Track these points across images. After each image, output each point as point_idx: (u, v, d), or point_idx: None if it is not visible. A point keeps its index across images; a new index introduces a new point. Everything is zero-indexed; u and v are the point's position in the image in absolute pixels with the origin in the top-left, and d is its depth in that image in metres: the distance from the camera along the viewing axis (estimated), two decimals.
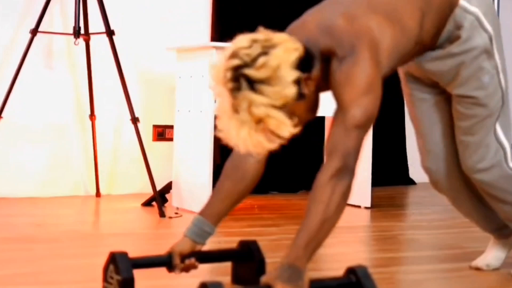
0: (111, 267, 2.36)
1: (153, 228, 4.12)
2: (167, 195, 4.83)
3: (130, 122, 4.69)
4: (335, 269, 3.07)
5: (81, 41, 4.93)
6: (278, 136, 2.21)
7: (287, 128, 2.20)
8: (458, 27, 2.64)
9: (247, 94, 2.17)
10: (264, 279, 2.22)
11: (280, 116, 2.18)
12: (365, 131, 2.33)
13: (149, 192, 4.75)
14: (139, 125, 4.73)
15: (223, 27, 5.75)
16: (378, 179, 5.66)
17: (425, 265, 3.24)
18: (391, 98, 6.41)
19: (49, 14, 4.89)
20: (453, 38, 2.65)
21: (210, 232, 2.54)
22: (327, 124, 5.32)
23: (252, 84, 2.17)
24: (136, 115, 4.70)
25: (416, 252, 3.56)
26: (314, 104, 2.38)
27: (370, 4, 2.44)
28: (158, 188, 4.67)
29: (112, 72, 5.04)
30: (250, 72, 2.17)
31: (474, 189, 3.01)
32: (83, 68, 5.18)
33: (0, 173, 5.09)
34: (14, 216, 4.40)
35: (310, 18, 2.48)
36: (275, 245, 3.45)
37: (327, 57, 2.36)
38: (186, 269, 2.51)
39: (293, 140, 6.06)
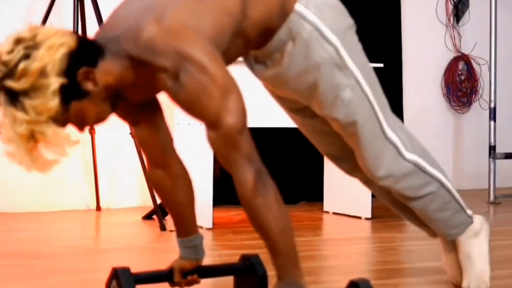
0: (114, 282, 2.35)
1: (154, 241, 4.12)
2: None
3: (130, 135, 4.69)
4: (336, 281, 3.07)
5: None
6: (60, 150, 2.01)
7: (64, 140, 2.00)
8: (293, 37, 2.33)
9: (9, 110, 1.94)
10: None
11: (51, 130, 1.96)
12: (247, 129, 2.13)
13: (150, 205, 4.74)
14: None
15: None
16: None
17: (427, 276, 3.23)
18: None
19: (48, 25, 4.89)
20: (286, 50, 2.36)
21: (199, 243, 2.51)
22: None
23: (15, 97, 1.93)
24: None
25: (418, 264, 3.55)
26: (112, 97, 2.11)
27: None
28: (159, 201, 4.67)
29: None
30: (10, 83, 1.93)
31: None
32: None
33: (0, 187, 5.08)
34: (15, 231, 4.39)
35: (115, 18, 2.19)
36: None
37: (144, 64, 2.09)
38: (188, 284, 2.51)
39: (293, 151, 6.01)
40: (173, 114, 4.85)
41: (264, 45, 2.36)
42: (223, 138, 2.09)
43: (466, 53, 6.70)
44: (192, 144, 4.62)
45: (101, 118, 2.13)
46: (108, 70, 2.06)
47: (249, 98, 4.68)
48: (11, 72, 1.93)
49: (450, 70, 6.68)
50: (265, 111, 4.68)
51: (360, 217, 4.95)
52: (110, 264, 2.51)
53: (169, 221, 4.56)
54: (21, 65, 1.92)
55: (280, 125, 4.73)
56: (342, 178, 5.14)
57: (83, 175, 5.30)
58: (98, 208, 5.19)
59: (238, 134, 2.08)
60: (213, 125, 2.08)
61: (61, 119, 1.99)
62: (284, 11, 2.30)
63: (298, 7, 2.31)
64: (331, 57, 2.36)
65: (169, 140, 2.44)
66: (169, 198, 2.46)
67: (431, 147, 6.67)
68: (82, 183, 5.28)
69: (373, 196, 4.97)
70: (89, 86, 2.03)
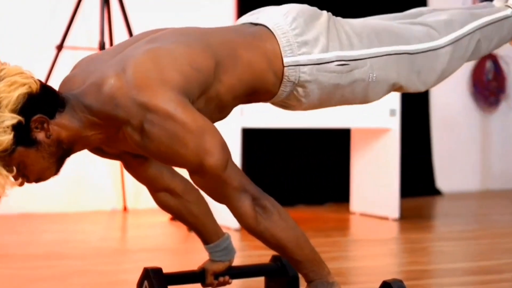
0: (146, 283, 2.34)
1: (182, 242, 4.11)
2: None
3: None
4: (365, 282, 3.05)
5: None
6: None
7: (2, 180, 1.89)
8: (299, 85, 2.21)
9: None
10: None
11: None
12: (230, 162, 2.01)
13: None
14: None
15: None
16: (405, 190, 5.62)
17: (458, 277, 3.20)
18: (416, 110, 6.40)
19: (74, 30, 4.89)
20: (299, 95, 2.23)
21: (227, 245, 2.49)
22: (353, 135, 5.29)
23: None
24: None
25: (448, 264, 3.52)
26: (61, 154, 2.01)
27: (151, 39, 2.12)
28: None
29: None
30: None
31: None
32: None
33: (26, 189, 5.09)
34: (42, 232, 4.40)
35: (79, 71, 2.10)
36: None
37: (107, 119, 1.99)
38: (220, 285, 2.49)
39: (320, 152, 6.00)
40: None
41: (267, 100, 2.28)
42: (210, 181, 2.00)
43: (493, 52, 6.65)
44: None
45: (43, 175, 2.00)
46: (64, 124, 1.97)
47: None
48: None
49: (478, 70, 6.63)
50: (291, 112, 4.66)
51: (387, 218, 4.92)
52: (138, 265, 2.50)
53: None
54: None
55: (306, 126, 4.71)
56: (369, 178, 5.12)
57: (110, 176, 5.31)
58: (125, 209, 5.19)
59: (223, 171, 1.98)
60: (195, 170, 1.98)
61: (4, 160, 1.89)
62: (274, 69, 2.17)
63: (287, 60, 2.17)
64: (341, 70, 2.25)
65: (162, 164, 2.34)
66: (181, 216, 2.42)
67: (459, 147, 6.67)
68: (109, 184, 5.28)
69: (401, 196, 4.94)
70: (40, 135, 1.93)
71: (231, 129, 4.49)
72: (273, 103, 2.32)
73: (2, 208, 4.90)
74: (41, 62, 5.04)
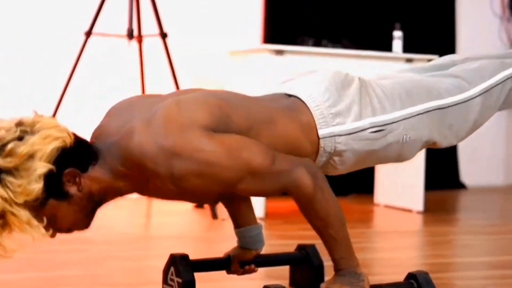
0: (172, 269, 2.36)
1: (206, 230, 4.13)
2: None
3: None
4: (390, 273, 3.05)
5: (134, 43, 4.96)
6: (25, 239, 1.90)
7: (33, 230, 1.89)
8: (335, 153, 2.23)
9: None
10: (323, 285, 2.20)
11: (25, 215, 1.88)
12: (273, 153, 2.02)
13: None
14: None
15: (275, 29, 5.76)
16: (429, 183, 5.61)
17: (482, 271, 3.20)
18: None
19: (103, 16, 4.91)
20: (335, 162, 2.26)
21: (257, 233, 2.49)
22: None
23: None
24: None
25: (472, 258, 3.51)
26: (92, 207, 2.02)
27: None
28: None
29: (164, 74, 5.08)
30: None
31: None
32: (136, 70, 5.21)
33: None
34: None
35: (111, 120, 2.12)
36: None
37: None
38: (245, 273, 2.51)
39: None
40: None
41: None
42: (266, 181, 2.01)
43: None
44: None
45: (75, 227, 2.02)
46: (96, 177, 1.98)
47: None
48: (1, 148, 1.89)
49: None
50: None
51: (411, 210, 4.92)
52: (163, 252, 2.52)
53: (220, 209, 4.57)
54: (11, 145, 1.88)
55: None
56: (394, 170, 5.12)
57: None
58: None
59: (273, 165, 2.00)
60: (247, 180, 1.99)
61: (36, 210, 1.91)
62: (310, 140, 2.19)
63: (322, 132, 2.19)
64: (375, 137, 2.26)
65: None
66: None
67: (484, 141, 6.64)
68: None
69: (425, 189, 4.94)
70: (72, 189, 1.95)
71: None
72: None
73: None
74: (70, 48, 5.07)
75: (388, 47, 5.19)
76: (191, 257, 2.43)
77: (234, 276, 2.50)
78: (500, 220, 4.66)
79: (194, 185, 1.95)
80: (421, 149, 2.39)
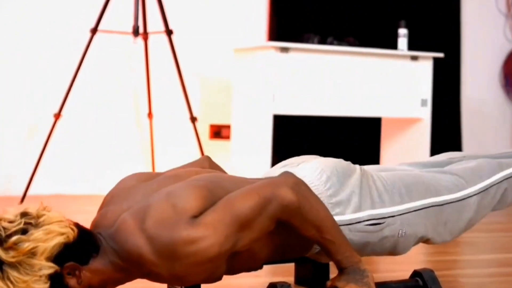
0: None
1: None
2: None
3: (189, 120, 4.73)
4: (395, 271, 3.06)
5: (139, 40, 4.97)
6: None
7: None
8: None
9: None
10: (329, 283, 2.21)
11: None
12: (256, 191, 2.02)
13: None
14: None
15: (280, 27, 5.76)
16: None
17: (487, 268, 3.20)
18: (447, 101, 6.38)
19: (108, 13, 4.92)
20: None
21: None
22: (384, 124, 5.29)
23: (0, 264, 1.86)
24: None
25: (477, 256, 3.52)
26: None
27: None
28: None
29: (169, 71, 5.09)
30: None
31: None
32: (141, 67, 5.22)
33: (58, 170, 5.15)
34: (74, 214, 4.42)
35: (113, 206, 2.12)
36: None
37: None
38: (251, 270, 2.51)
39: (350, 140, 6.02)
40: (231, 100, 4.85)
41: (300, 256, 2.33)
42: (260, 221, 2.01)
43: None
44: (250, 129, 4.62)
45: None
46: (96, 270, 1.98)
47: (306, 86, 4.69)
48: (3, 240, 1.87)
49: (509, 61, 6.59)
50: (322, 99, 4.68)
51: None
52: None
53: None
54: (14, 238, 1.86)
55: (338, 114, 4.72)
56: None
57: (141, 160, 5.35)
58: None
59: (259, 200, 2.00)
60: (246, 230, 2.00)
61: None
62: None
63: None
64: (372, 230, 2.28)
65: None
66: None
67: (489, 139, 6.64)
68: (140, 167, 5.33)
69: None
70: (71, 282, 1.94)
71: (262, 115, 4.51)
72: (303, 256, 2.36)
73: (36, 189, 4.96)
74: (75, 45, 5.08)
75: (393, 45, 5.20)
76: None
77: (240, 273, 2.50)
78: (505, 217, 4.66)
79: (198, 274, 1.99)
80: (414, 244, 2.40)
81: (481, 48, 6.53)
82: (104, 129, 5.27)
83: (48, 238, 1.89)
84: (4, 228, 1.88)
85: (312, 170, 2.28)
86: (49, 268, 1.89)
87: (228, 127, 5.42)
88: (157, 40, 5.16)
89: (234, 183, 2.13)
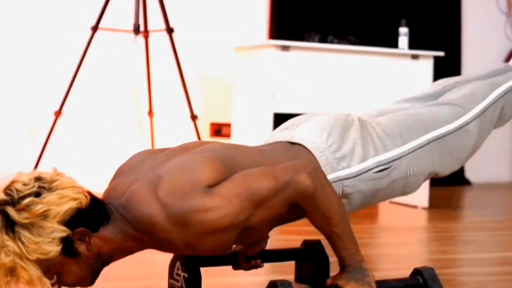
0: (178, 264, 2.37)
1: None
2: None
3: (190, 119, 4.73)
4: (395, 269, 3.07)
5: (140, 38, 4.97)
6: None
7: (42, 286, 1.89)
8: (345, 196, 2.26)
9: (0, 235, 1.87)
10: (329, 281, 2.21)
11: (35, 272, 1.88)
12: (274, 172, 2.02)
13: None
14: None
15: (281, 25, 5.76)
16: (433, 179, 5.62)
17: (487, 267, 3.21)
18: None
19: (109, 11, 4.93)
20: (343, 203, 2.24)
21: None
22: None
23: (12, 225, 1.87)
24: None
25: (477, 254, 3.53)
26: (99, 266, 2.02)
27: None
28: None
29: (170, 69, 5.09)
30: (11, 211, 1.87)
31: None
32: (142, 65, 5.23)
33: (58, 168, 5.15)
34: None
35: (123, 177, 2.13)
36: None
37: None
38: (251, 268, 2.52)
39: None
40: (231, 98, 4.86)
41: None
42: (274, 202, 2.02)
43: None
44: (251, 128, 4.63)
45: (78, 284, 2.00)
46: (106, 238, 1.98)
47: (307, 85, 4.68)
48: (16, 201, 1.88)
49: (510, 60, 6.60)
50: (323, 97, 4.68)
51: (416, 206, 4.93)
52: None
53: None
54: (27, 200, 1.87)
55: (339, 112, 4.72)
56: None
57: None
58: None
59: (276, 184, 2.01)
60: (258, 209, 2.00)
61: (45, 267, 1.91)
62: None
63: (329, 177, 2.21)
64: (380, 176, 2.29)
65: None
66: None
67: (489, 138, 6.63)
68: None
69: (430, 185, 4.95)
70: (81, 247, 1.95)
71: (263, 113, 4.52)
72: None
73: None
74: (76, 43, 5.08)
75: (394, 44, 5.20)
76: None
77: (240, 271, 2.51)
78: (505, 216, 4.67)
79: (210, 243, 1.99)
80: (424, 181, 2.42)
81: (481, 47, 6.53)
82: (105, 127, 5.28)
83: (61, 202, 1.90)
84: (18, 190, 1.89)
85: (312, 129, 2.29)
86: (61, 231, 1.89)
87: (228, 125, 5.42)
88: (158, 38, 5.16)
89: (249, 159, 2.12)
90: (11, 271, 1.87)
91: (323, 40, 4.97)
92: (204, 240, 1.98)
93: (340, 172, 2.23)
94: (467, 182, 6.53)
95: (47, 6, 5.18)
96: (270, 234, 2.54)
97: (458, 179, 6.51)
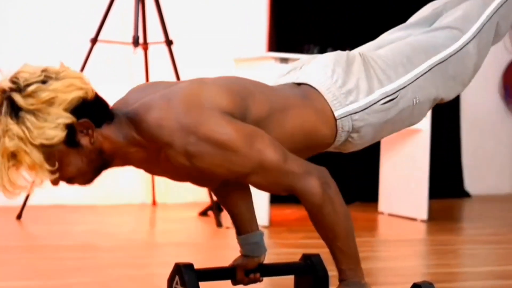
0: (177, 278, 2.37)
1: (211, 238, 4.13)
2: None
3: None
4: (394, 283, 3.06)
5: (139, 50, 4.97)
6: (35, 180, 1.92)
7: (43, 172, 1.91)
8: (354, 131, 2.29)
9: (4, 120, 1.88)
10: None
11: (37, 157, 1.89)
12: (286, 153, 2.06)
13: (205, 201, 4.76)
14: None
15: (280, 37, 5.77)
16: (433, 191, 5.62)
17: (486, 280, 3.20)
18: (447, 111, 6.39)
19: (108, 24, 4.93)
20: (353, 139, 2.31)
21: (259, 240, 2.51)
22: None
23: (17, 111, 1.88)
24: None
25: (476, 268, 3.52)
26: (99, 164, 2.04)
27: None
28: (215, 198, 4.69)
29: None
30: (17, 97, 1.89)
31: None
32: (141, 77, 5.23)
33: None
34: (74, 224, 4.45)
35: (130, 97, 2.18)
36: None
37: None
38: (251, 282, 2.51)
39: (348, 153, 6.01)
40: None
41: (324, 150, 2.35)
42: (273, 176, 2.04)
43: None
44: None
45: (77, 178, 2.03)
46: (109, 136, 2.01)
47: None
48: (22, 88, 1.90)
49: (509, 71, 6.60)
50: None
51: (415, 219, 4.92)
52: (168, 259, 2.53)
53: (225, 217, 4.58)
54: (33, 87, 1.89)
55: None
56: (398, 178, 5.13)
57: (140, 171, 5.35)
58: (154, 203, 5.23)
59: (285, 162, 2.04)
60: (256, 171, 2.02)
61: (47, 154, 1.92)
62: (328, 124, 2.24)
63: (338, 113, 2.25)
64: (388, 107, 2.31)
65: None
66: (223, 200, 2.47)
67: (488, 149, 6.64)
68: (138, 178, 5.33)
69: (429, 197, 4.94)
70: (84, 139, 1.97)
71: None
72: (328, 150, 2.38)
73: (36, 199, 4.95)
74: (75, 55, 5.08)
75: None
76: (196, 265, 2.44)
77: (239, 286, 2.51)
78: (505, 229, 4.66)
79: (205, 164, 2.00)
80: (429, 108, 2.46)
81: None
82: None
83: (67, 91, 1.93)
84: (23, 78, 1.92)
85: (316, 68, 2.33)
86: (66, 118, 1.91)
87: None
88: (157, 50, 5.16)
89: (262, 94, 2.16)
90: (14, 156, 1.89)
91: (322, 51, 4.98)
92: (202, 158, 1.98)
93: (348, 106, 2.26)
94: (466, 194, 6.53)
95: (47, 6, 5.18)
96: (268, 247, 2.54)
97: (457, 191, 6.51)
